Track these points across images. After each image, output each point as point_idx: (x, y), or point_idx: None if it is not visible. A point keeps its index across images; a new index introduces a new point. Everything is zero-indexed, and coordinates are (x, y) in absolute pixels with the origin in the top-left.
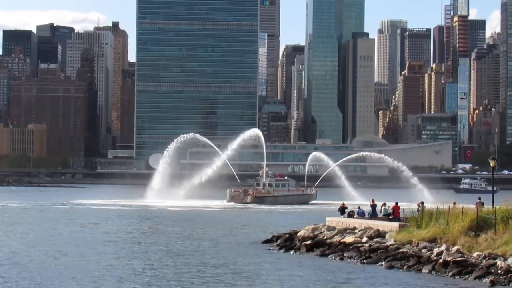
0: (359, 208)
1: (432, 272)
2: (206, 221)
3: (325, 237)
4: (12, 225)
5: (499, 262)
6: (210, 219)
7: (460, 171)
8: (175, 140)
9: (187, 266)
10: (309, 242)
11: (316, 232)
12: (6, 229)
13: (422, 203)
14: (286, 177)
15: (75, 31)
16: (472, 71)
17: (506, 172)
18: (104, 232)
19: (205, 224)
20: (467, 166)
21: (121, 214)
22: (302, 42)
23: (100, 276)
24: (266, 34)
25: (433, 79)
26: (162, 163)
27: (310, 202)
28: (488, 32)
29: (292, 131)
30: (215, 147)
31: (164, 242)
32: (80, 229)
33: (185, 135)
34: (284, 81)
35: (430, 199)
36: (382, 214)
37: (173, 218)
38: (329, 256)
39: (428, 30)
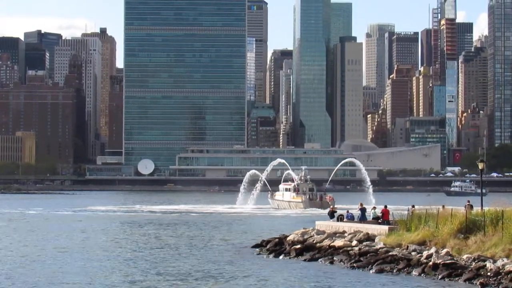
0: (347, 212)
1: (422, 275)
2: None
3: (314, 241)
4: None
5: (489, 264)
6: None
7: (449, 174)
8: (270, 165)
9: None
10: (298, 246)
11: (305, 236)
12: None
13: (413, 206)
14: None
15: (63, 38)
16: (460, 74)
17: (495, 174)
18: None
19: None
20: (456, 169)
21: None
22: (290, 47)
23: None
24: (254, 39)
25: (421, 83)
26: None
27: None
28: (476, 35)
29: (281, 135)
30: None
31: None
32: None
33: (275, 161)
34: (272, 86)
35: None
36: (371, 217)
37: None
38: (319, 260)
39: (416, 33)
